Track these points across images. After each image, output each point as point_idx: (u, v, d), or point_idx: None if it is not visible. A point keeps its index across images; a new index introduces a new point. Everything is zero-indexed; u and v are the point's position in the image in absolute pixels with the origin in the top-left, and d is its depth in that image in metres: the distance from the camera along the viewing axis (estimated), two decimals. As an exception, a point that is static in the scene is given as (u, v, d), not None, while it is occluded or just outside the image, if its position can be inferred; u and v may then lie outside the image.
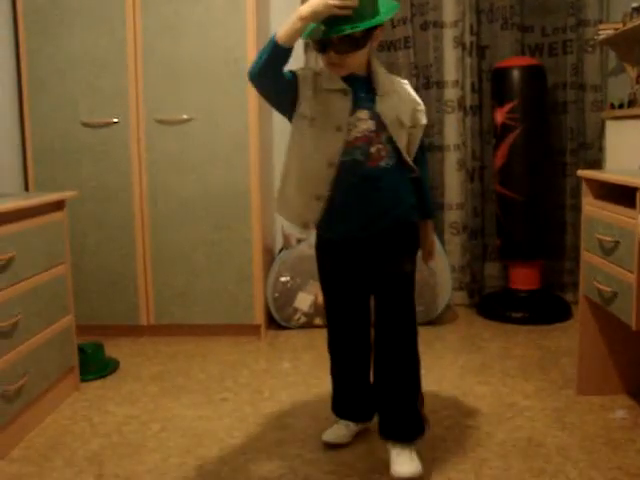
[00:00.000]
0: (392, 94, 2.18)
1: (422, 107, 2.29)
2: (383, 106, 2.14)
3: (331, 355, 2.47)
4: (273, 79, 2.03)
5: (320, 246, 2.38)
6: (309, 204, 2.18)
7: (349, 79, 2.12)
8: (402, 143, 2.18)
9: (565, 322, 3.95)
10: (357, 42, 2.03)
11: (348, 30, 1.98)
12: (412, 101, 2.26)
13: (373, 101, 2.14)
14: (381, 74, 2.19)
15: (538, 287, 4.09)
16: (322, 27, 2.00)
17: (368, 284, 2.29)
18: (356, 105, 2.12)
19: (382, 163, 2.15)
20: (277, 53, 1.96)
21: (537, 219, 4.01)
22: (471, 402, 2.84)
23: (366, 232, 2.21)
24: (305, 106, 2.11)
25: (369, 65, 2.18)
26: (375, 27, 2.06)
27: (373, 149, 2.14)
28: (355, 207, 2.18)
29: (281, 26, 1.96)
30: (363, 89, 2.15)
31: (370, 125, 2.13)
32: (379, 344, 2.25)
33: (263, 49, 1.98)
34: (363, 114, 2.13)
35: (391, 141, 2.16)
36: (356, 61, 2.10)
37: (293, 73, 2.12)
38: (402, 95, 2.23)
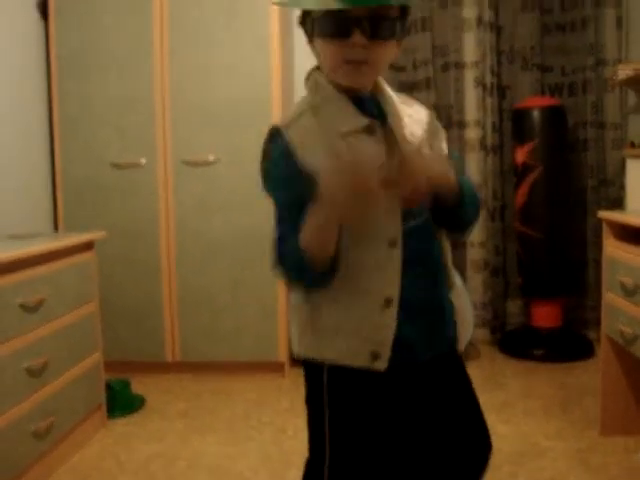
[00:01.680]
0: (402, 121, 1.42)
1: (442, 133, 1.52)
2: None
3: None
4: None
5: (345, 386, 1.42)
6: (376, 318, 1.37)
7: (357, 101, 1.38)
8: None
9: (587, 360, 3.94)
10: (395, 26, 1.33)
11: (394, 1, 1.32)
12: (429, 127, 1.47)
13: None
14: (389, 91, 1.45)
15: (560, 324, 4.10)
16: None
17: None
18: (390, 144, 1.38)
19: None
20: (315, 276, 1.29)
21: (558, 256, 4.03)
22: (493, 441, 2.84)
23: (431, 351, 1.45)
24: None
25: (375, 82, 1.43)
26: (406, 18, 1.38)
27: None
28: (426, 308, 1.43)
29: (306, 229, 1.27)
30: (381, 116, 1.40)
31: None
32: None
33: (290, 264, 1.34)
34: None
35: None
36: (385, 61, 1.36)
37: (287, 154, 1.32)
38: (415, 121, 1.46)
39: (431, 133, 1.47)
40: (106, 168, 3.71)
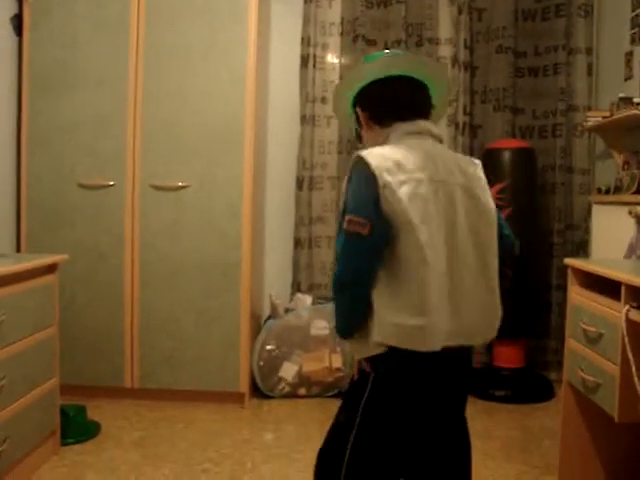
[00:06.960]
0: None
1: None
2: None
3: None
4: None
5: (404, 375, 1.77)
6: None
7: None
8: None
9: (548, 401, 3.95)
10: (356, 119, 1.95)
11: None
12: None
13: None
14: None
15: (522, 365, 4.11)
16: None
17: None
18: None
19: None
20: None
21: (523, 298, 4.05)
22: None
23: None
24: None
25: None
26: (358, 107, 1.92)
27: None
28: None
29: None
30: None
31: None
32: None
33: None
34: None
35: None
36: (370, 141, 1.90)
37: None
38: None
39: None
40: (73, 188, 3.65)
